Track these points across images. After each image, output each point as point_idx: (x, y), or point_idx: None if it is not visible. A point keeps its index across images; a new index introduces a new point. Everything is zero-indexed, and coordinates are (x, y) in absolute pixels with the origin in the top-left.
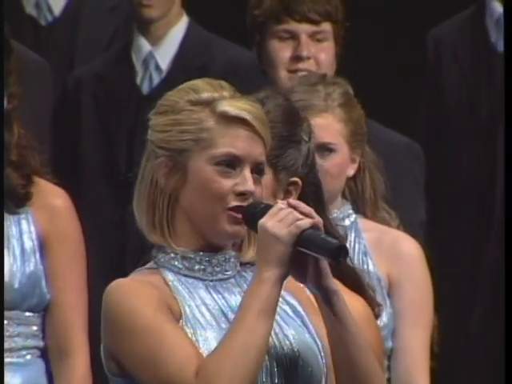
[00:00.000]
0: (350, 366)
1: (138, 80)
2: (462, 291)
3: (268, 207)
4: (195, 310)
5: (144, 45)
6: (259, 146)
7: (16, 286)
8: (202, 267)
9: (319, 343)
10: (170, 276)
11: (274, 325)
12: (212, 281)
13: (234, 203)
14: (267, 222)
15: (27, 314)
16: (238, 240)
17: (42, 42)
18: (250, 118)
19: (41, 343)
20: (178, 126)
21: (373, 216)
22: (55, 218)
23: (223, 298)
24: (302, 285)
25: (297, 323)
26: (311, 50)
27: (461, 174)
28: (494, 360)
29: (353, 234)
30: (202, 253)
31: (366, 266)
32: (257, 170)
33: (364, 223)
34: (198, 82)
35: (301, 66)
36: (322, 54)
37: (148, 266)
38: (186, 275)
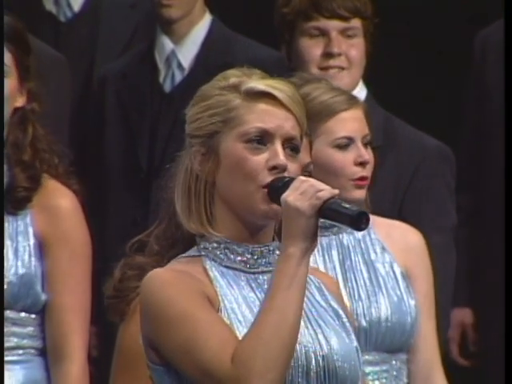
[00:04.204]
0: None
1: (161, 78)
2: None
3: (291, 180)
4: (234, 304)
5: (166, 43)
6: (290, 120)
7: (5, 285)
8: (244, 259)
9: (359, 349)
10: (211, 266)
11: (318, 331)
12: (254, 273)
13: (269, 179)
14: (289, 195)
15: (22, 314)
16: (276, 219)
17: (62, 38)
18: (278, 93)
19: (39, 343)
20: (208, 110)
21: None
22: (56, 219)
23: (263, 291)
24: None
25: (339, 329)
26: (342, 46)
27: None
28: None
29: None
30: (245, 244)
31: (388, 263)
32: (291, 147)
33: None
34: (230, 70)
35: (332, 62)
36: (352, 51)
37: (190, 252)
38: (227, 266)
